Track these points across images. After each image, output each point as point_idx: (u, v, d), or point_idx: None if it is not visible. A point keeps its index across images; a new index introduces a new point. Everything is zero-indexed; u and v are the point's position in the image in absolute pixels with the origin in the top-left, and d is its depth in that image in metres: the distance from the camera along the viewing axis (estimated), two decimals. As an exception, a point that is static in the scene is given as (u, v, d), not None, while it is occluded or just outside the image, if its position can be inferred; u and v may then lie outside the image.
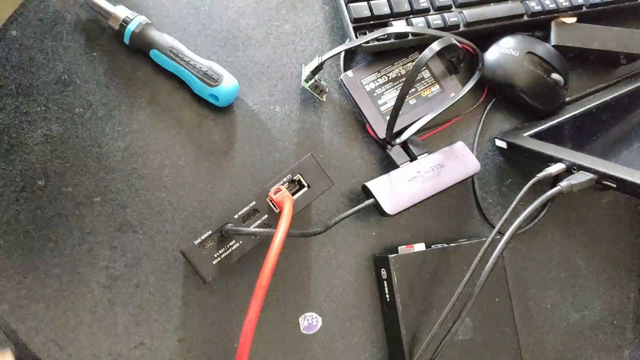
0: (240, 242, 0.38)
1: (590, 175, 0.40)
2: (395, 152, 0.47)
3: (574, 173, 0.42)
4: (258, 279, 0.32)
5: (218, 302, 0.43)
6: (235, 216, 0.38)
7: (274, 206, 0.39)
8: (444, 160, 0.47)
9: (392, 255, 0.43)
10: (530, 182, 0.42)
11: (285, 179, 0.40)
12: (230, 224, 0.38)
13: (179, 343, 0.42)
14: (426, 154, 0.47)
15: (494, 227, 0.49)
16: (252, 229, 0.38)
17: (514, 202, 0.41)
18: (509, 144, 0.48)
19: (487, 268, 0.39)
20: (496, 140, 0.50)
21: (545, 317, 0.50)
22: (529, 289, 0.50)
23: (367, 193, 0.45)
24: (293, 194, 0.40)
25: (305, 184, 0.40)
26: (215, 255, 0.38)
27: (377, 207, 0.44)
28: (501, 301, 0.45)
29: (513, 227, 0.39)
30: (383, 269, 0.45)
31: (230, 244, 0.38)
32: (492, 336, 0.44)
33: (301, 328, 0.44)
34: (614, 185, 0.40)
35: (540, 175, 0.42)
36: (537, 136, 0.48)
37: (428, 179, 0.45)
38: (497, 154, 0.51)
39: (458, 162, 0.47)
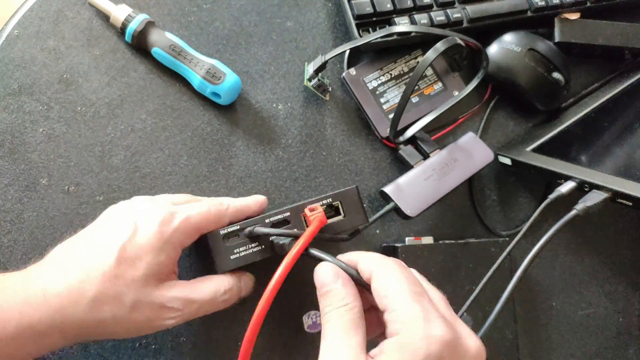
0: (263, 246, 0.38)
1: (605, 195, 0.41)
2: (407, 153, 0.47)
3: (585, 190, 0.42)
4: (270, 280, 0.33)
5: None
6: (267, 220, 0.38)
7: (306, 223, 0.39)
8: (456, 153, 0.46)
9: (400, 245, 0.44)
10: (543, 204, 0.42)
11: (324, 201, 0.39)
12: (259, 225, 0.38)
13: (182, 342, 0.42)
14: (438, 150, 0.47)
15: (494, 234, 0.49)
16: (282, 230, 0.38)
17: (527, 224, 0.42)
18: (513, 160, 0.48)
19: (514, 280, 0.40)
20: (499, 157, 0.49)
21: (550, 315, 0.50)
22: (534, 286, 0.49)
23: (385, 197, 0.45)
24: (327, 218, 0.39)
25: (342, 213, 0.40)
26: (236, 251, 0.37)
27: (397, 211, 0.44)
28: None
29: (536, 249, 0.40)
30: None
31: (252, 245, 0.38)
32: (490, 335, 0.44)
33: (305, 326, 0.44)
34: (630, 204, 0.40)
35: (552, 196, 0.42)
36: (541, 150, 0.47)
37: (444, 174, 0.45)
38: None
39: (471, 153, 0.47)
